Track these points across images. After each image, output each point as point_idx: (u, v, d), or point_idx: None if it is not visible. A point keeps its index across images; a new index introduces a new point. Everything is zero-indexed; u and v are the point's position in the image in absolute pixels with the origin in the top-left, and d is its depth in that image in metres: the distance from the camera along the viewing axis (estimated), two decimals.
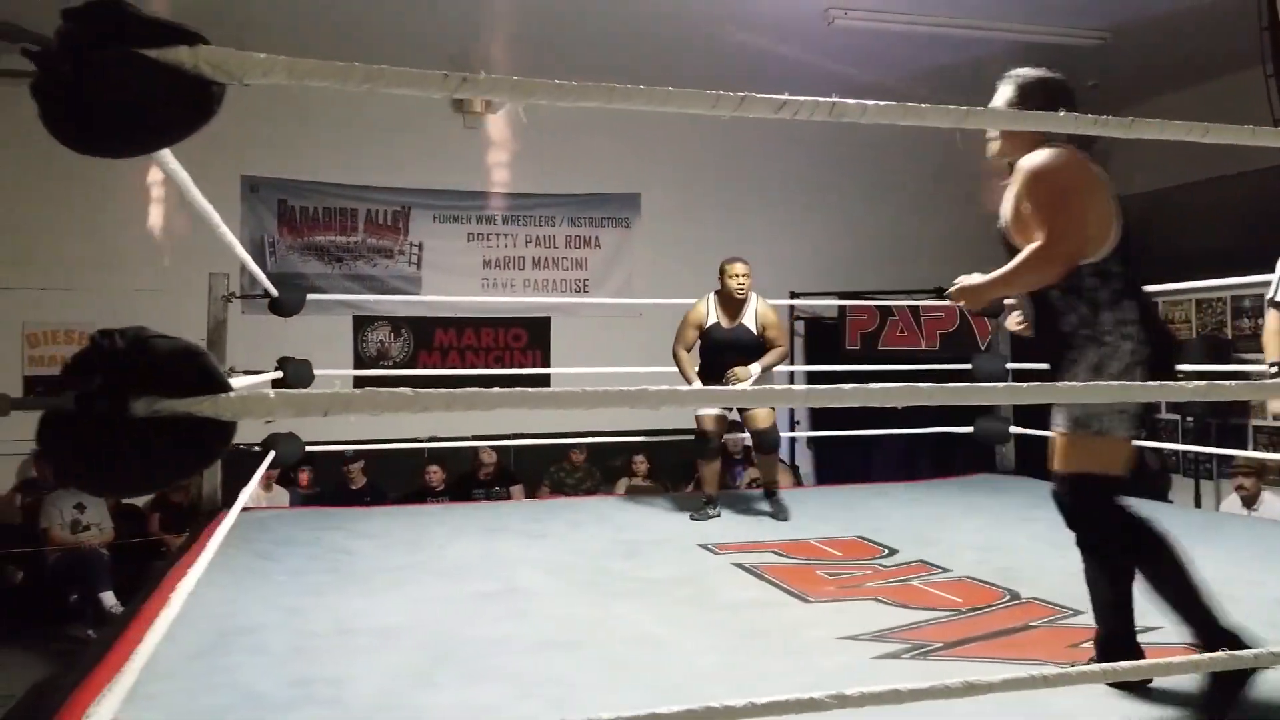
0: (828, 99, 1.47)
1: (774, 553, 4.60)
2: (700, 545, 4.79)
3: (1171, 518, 5.10)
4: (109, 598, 7.38)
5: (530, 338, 10.26)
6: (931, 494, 6.19)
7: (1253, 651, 2.12)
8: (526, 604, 3.72)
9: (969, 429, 6.61)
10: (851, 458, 9.70)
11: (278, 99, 8.67)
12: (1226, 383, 1.70)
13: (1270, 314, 4.09)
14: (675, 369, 5.59)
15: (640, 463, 8.92)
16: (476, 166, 10.11)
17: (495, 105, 9.49)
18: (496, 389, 1.36)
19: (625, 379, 6.87)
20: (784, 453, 10.09)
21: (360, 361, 9.75)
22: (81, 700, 2.50)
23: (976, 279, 2.84)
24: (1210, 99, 9.09)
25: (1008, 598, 3.73)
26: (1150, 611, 3.23)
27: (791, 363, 10.13)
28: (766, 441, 5.57)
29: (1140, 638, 2.85)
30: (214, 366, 1.24)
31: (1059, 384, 1.55)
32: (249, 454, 5.38)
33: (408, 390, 1.28)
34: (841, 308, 10.14)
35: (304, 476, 8.37)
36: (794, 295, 10.06)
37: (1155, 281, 3.04)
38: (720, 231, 9.64)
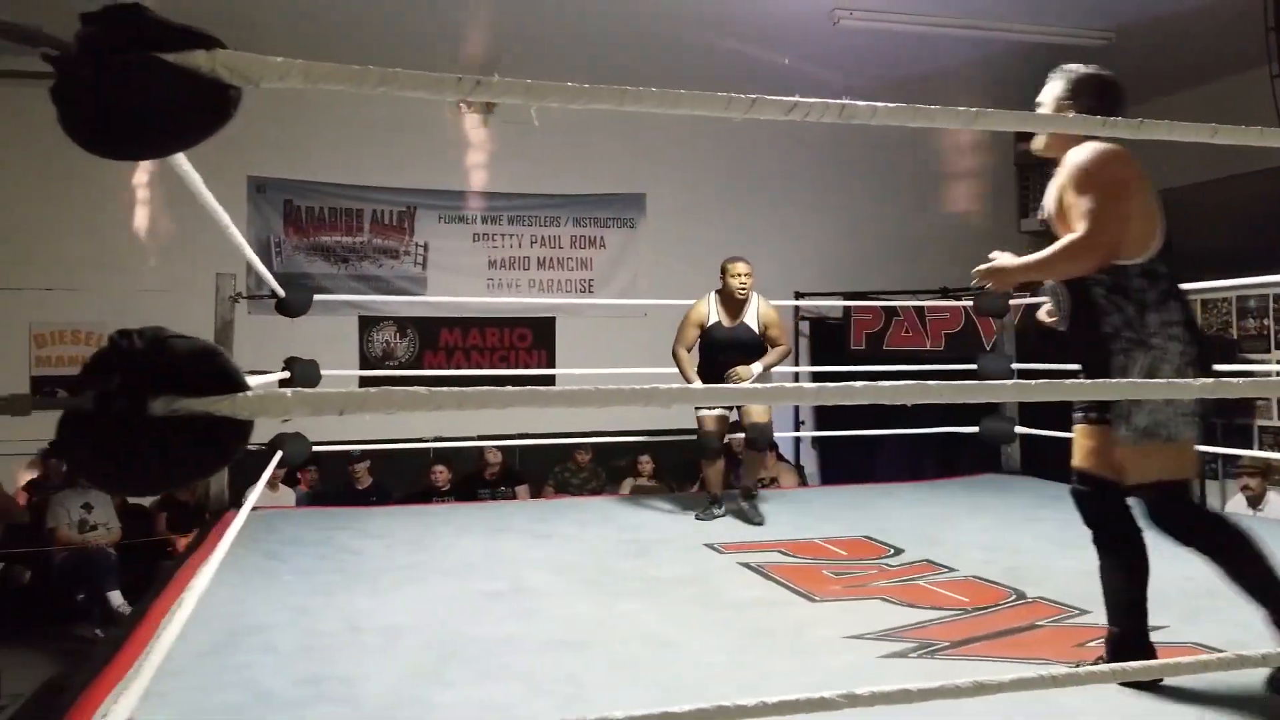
0: (838, 101, 1.48)
1: (780, 552, 4.61)
2: (706, 545, 4.80)
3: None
4: (116, 597, 7.40)
5: (535, 338, 10.28)
6: (937, 494, 6.19)
7: None
8: (534, 603, 3.74)
9: (974, 429, 6.62)
10: (856, 457, 9.71)
11: (284, 100, 8.68)
12: (1234, 380, 1.71)
13: None
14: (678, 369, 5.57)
15: (645, 463, 8.93)
16: (481, 167, 10.12)
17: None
18: (510, 388, 1.38)
19: (630, 379, 6.88)
20: (789, 452, 10.11)
21: (366, 362, 9.78)
22: (94, 698, 2.51)
23: (1009, 259, 2.83)
24: (1215, 99, 9.09)
25: (1014, 597, 3.74)
26: (1156, 611, 3.25)
27: (796, 363, 10.14)
28: (760, 438, 5.47)
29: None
30: (232, 366, 1.25)
31: (1067, 382, 1.55)
32: (256, 453, 5.40)
33: (422, 389, 1.29)
34: (846, 308, 10.15)
35: (310, 476, 8.38)
36: (799, 295, 10.08)
37: None
38: (725, 232, 9.66)
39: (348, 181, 9.84)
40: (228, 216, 2.95)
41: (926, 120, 1.57)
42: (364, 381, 8.91)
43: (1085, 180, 2.64)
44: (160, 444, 1.20)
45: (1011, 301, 6.76)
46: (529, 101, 1.37)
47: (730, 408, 5.56)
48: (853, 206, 11.11)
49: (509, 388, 1.38)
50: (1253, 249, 5.19)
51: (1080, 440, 2.82)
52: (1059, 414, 6.15)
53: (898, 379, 1.52)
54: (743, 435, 5.52)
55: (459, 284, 9.95)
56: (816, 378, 9.32)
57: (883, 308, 10.13)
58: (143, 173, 9.07)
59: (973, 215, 11.32)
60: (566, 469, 9.07)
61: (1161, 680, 2.65)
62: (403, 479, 8.61)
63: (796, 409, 10.49)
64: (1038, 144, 2.91)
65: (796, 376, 9.69)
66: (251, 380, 1.29)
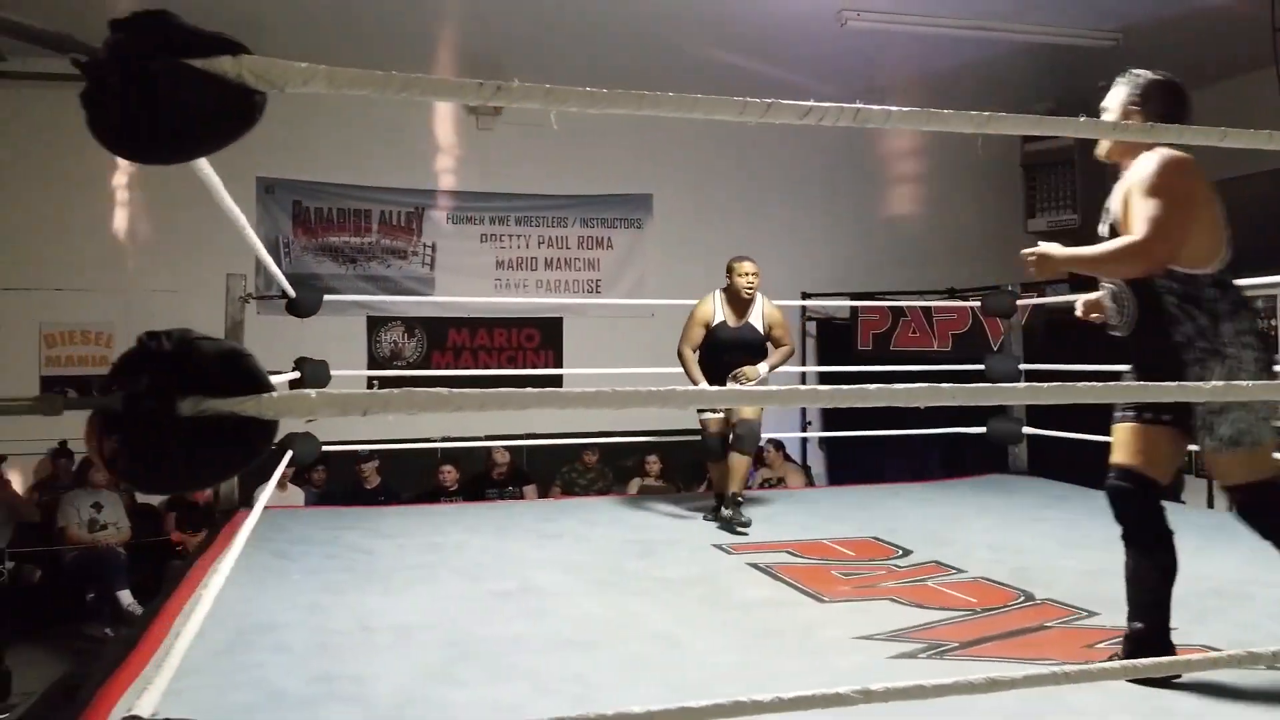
0: (852, 105, 1.49)
1: (788, 553, 4.62)
2: (714, 545, 4.81)
3: (1184, 518, 5.11)
4: (126, 596, 7.44)
5: (542, 338, 10.31)
6: (944, 494, 6.20)
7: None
8: (543, 603, 3.75)
9: (981, 429, 6.62)
10: (863, 458, 9.71)
11: (293, 101, 8.59)
12: (1244, 383, 1.72)
13: None
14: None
15: (653, 463, 8.94)
16: (489, 168, 10.15)
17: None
18: (529, 389, 1.39)
19: (637, 379, 6.90)
20: (796, 452, 10.12)
21: (374, 362, 9.81)
22: (109, 696, 2.54)
23: (1056, 248, 2.84)
24: (1221, 100, 9.07)
25: (1022, 598, 3.75)
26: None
27: (803, 363, 10.16)
28: (747, 438, 5.31)
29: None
30: (257, 367, 1.27)
31: (1080, 385, 1.57)
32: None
33: (444, 390, 1.31)
34: (854, 308, 10.16)
35: (318, 476, 8.41)
36: (806, 296, 10.10)
37: None
38: (732, 232, 9.68)
39: (356, 182, 9.88)
40: (245, 218, 2.97)
41: (940, 124, 1.58)
42: (372, 382, 8.93)
43: (1151, 187, 2.66)
44: (188, 443, 1.22)
45: (1019, 302, 6.77)
46: (548, 106, 1.39)
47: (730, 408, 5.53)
48: (860, 207, 11.12)
49: (528, 389, 1.40)
50: (1255, 250, 5.19)
51: (1126, 439, 2.83)
52: (1066, 415, 6.18)
53: (905, 380, 1.54)
54: None
55: (467, 284, 9.99)
56: (823, 378, 9.33)
57: (890, 308, 10.14)
58: (151, 174, 9.09)
59: (979, 216, 11.32)
60: (574, 469, 9.08)
61: (1179, 676, 2.67)
62: (410, 479, 8.64)
63: (803, 410, 10.50)
64: (1100, 149, 2.93)
65: (803, 377, 9.70)
66: None
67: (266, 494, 4.33)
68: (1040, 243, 2.91)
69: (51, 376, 9.04)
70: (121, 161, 8.40)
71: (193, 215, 8.65)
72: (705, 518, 5.41)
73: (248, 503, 5.35)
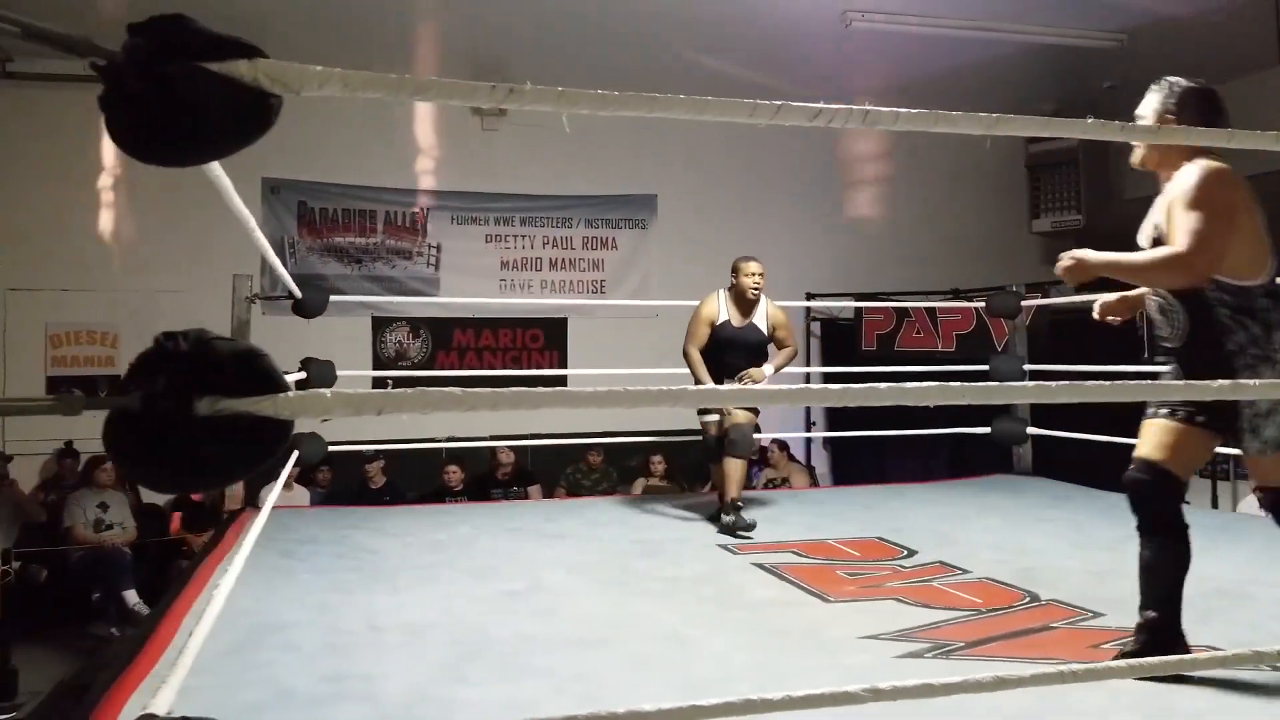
0: (861, 107, 1.50)
1: (794, 553, 4.63)
2: (720, 545, 4.82)
3: (1189, 519, 5.11)
4: (131, 596, 7.46)
5: (547, 338, 10.32)
6: (949, 495, 6.20)
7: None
8: (551, 602, 3.76)
9: (986, 430, 6.63)
10: (867, 458, 9.72)
11: (298, 102, 8.64)
12: (1250, 382, 1.73)
13: None
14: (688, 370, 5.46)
15: (658, 463, 8.95)
16: (494, 168, 10.16)
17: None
18: (541, 389, 1.41)
19: (642, 379, 6.90)
20: (800, 452, 10.13)
21: (379, 362, 9.83)
22: (119, 695, 2.55)
23: (1092, 254, 2.85)
24: (1227, 101, 9.08)
25: (1027, 599, 3.76)
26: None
27: (807, 363, 10.17)
28: (739, 442, 5.26)
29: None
30: (273, 368, 1.28)
31: (1087, 384, 1.58)
32: None
33: (457, 390, 1.32)
34: (858, 309, 10.17)
35: (323, 476, 8.43)
36: (810, 296, 10.10)
37: None
38: (736, 232, 9.68)
39: (361, 183, 9.90)
40: (254, 220, 2.98)
41: (948, 126, 1.59)
42: (377, 382, 8.95)
43: (1193, 199, 2.68)
44: (205, 443, 1.23)
45: (1023, 303, 6.78)
46: (560, 109, 1.40)
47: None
48: (864, 207, 11.14)
49: (540, 388, 1.41)
50: None
51: (1154, 434, 2.86)
52: (1070, 415, 6.19)
53: (910, 380, 1.54)
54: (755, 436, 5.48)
55: (471, 285, 10.01)
56: (828, 378, 9.34)
57: (894, 308, 10.15)
58: (157, 175, 9.10)
59: (984, 217, 11.33)
60: (578, 470, 9.10)
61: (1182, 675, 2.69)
62: (416, 479, 8.66)
63: (808, 410, 10.51)
64: (1135, 157, 2.94)
65: (808, 377, 9.71)
66: None
67: (274, 494, 4.34)
68: (1074, 249, 2.90)
69: (57, 377, 9.05)
70: (127, 162, 8.43)
71: (198, 216, 8.69)
72: (712, 519, 5.40)
73: (253, 502, 5.37)
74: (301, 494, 8.02)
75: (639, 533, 5.11)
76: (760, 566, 4.34)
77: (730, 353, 5.39)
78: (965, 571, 4.19)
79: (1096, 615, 3.48)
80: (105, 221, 9.31)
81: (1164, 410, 2.85)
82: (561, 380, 9.30)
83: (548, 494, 8.72)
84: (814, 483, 9.47)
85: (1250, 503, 7.05)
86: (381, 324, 9.99)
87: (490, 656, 3.06)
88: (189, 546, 7.80)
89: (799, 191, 10.98)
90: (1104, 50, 8.53)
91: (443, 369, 9.79)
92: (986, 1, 7.76)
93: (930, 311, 10.00)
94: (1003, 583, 3.97)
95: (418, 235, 10.07)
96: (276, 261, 4.50)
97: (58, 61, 8.18)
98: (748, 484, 8.05)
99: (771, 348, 5.55)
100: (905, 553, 4.60)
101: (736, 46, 8.59)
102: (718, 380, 5.30)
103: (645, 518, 5.54)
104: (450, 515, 5.86)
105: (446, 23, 8.25)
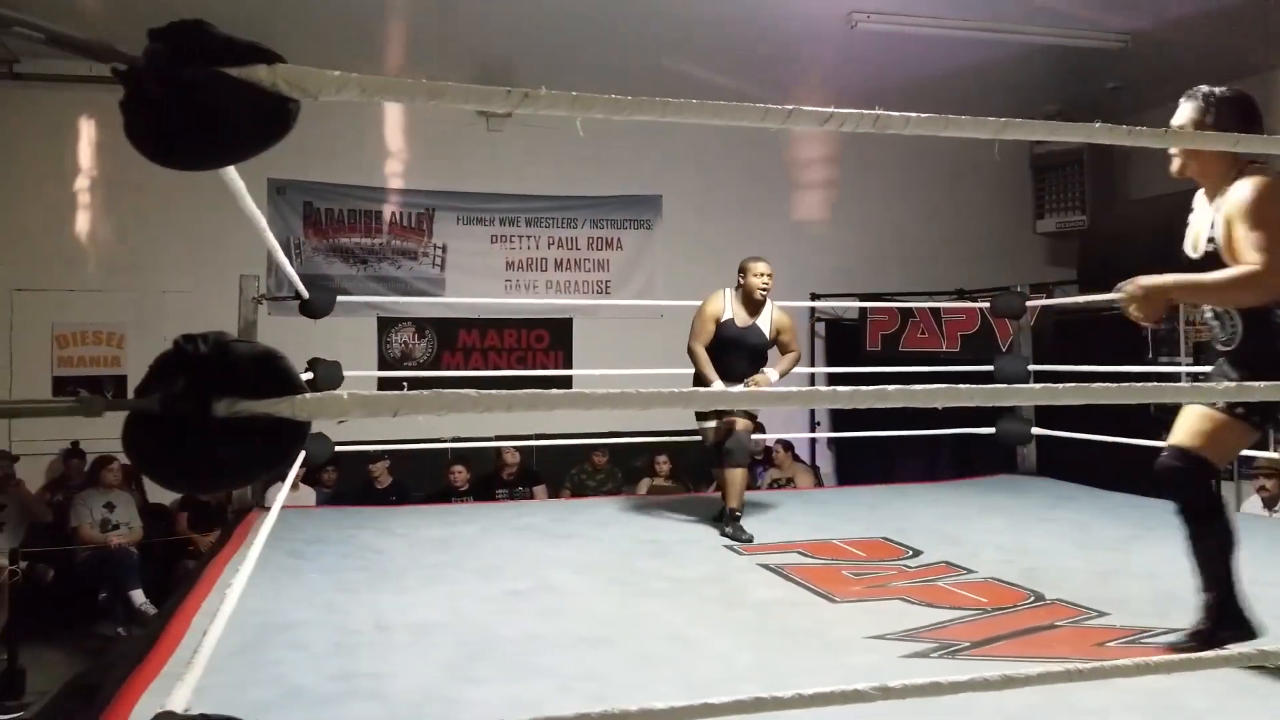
0: (871, 112, 1.52)
1: (799, 553, 4.64)
2: (725, 546, 4.83)
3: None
4: (138, 596, 7.49)
5: (552, 339, 10.34)
6: (953, 495, 6.21)
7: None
8: (558, 602, 3.78)
9: (990, 430, 6.63)
10: (872, 458, 9.73)
11: (303, 102, 8.76)
12: (1255, 384, 1.74)
13: None
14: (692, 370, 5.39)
15: (663, 463, 8.97)
16: (500, 169, 10.18)
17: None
18: (554, 390, 1.42)
19: (647, 380, 6.92)
20: (804, 453, 10.14)
21: (384, 362, 9.85)
22: (130, 695, 2.57)
23: (1158, 279, 2.81)
24: None
25: (1032, 598, 3.77)
26: (1172, 612, 3.28)
27: (812, 364, 10.19)
28: (735, 451, 5.18)
29: (1167, 638, 2.95)
30: (291, 370, 1.30)
31: (1093, 385, 1.59)
32: None
33: (472, 391, 1.34)
34: (862, 309, 10.18)
35: (328, 476, 8.45)
36: (815, 297, 10.11)
37: None
38: (741, 233, 9.70)
39: (367, 183, 9.93)
40: (264, 220, 3.00)
41: (957, 130, 1.60)
42: (382, 383, 8.97)
43: (1261, 216, 2.70)
44: (223, 444, 1.25)
45: (1028, 303, 6.78)
46: (573, 113, 1.41)
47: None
48: (869, 208, 11.14)
49: (554, 390, 1.43)
50: None
51: (1194, 422, 2.88)
52: (1075, 415, 6.19)
53: (915, 380, 1.56)
54: (759, 436, 5.47)
55: (477, 285, 10.04)
56: (832, 379, 9.36)
57: (899, 309, 10.17)
58: (164, 177, 9.09)
59: (988, 217, 11.34)
60: (583, 470, 9.12)
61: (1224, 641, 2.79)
62: (421, 479, 8.68)
63: (812, 410, 10.52)
64: (1174, 167, 2.94)
65: (812, 378, 9.74)
66: None
67: (283, 494, 4.36)
68: (1136, 278, 2.83)
69: (63, 377, 9.08)
70: (133, 163, 8.45)
71: (204, 217, 8.72)
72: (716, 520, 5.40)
73: (260, 502, 5.39)
74: (307, 494, 8.04)
75: (644, 533, 5.13)
76: (766, 567, 4.35)
77: (731, 353, 5.28)
78: (970, 571, 4.21)
79: (1101, 614, 3.49)
80: (111, 222, 9.33)
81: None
82: (567, 381, 9.31)
83: (553, 494, 8.74)
84: (819, 483, 9.49)
85: (1254, 502, 7.06)
86: (387, 324, 10.01)
87: (497, 656, 3.08)
88: (195, 546, 7.82)
89: (803, 191, 11.00)
90: (1108, 51, 8.53)
91: (448, 369, 9.81)
92: (991, 3, 7.77)
93: (935, 312, 10.02)
94: (1007, 582, 3.99)
95: (423, 236, 10.09)
96: (285, 262, 4.52)
97: (64, 63, 8.21)
98: (752, 484, 8.06)
99: (774, 352, 5.47)
100: (910, 553, 4.61)
101: (740, 47, 8.59)
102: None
103: (650, 518, 5.55)
104: (456, 515, 5.88)
105: (447, 23, 8.25)
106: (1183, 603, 3.52)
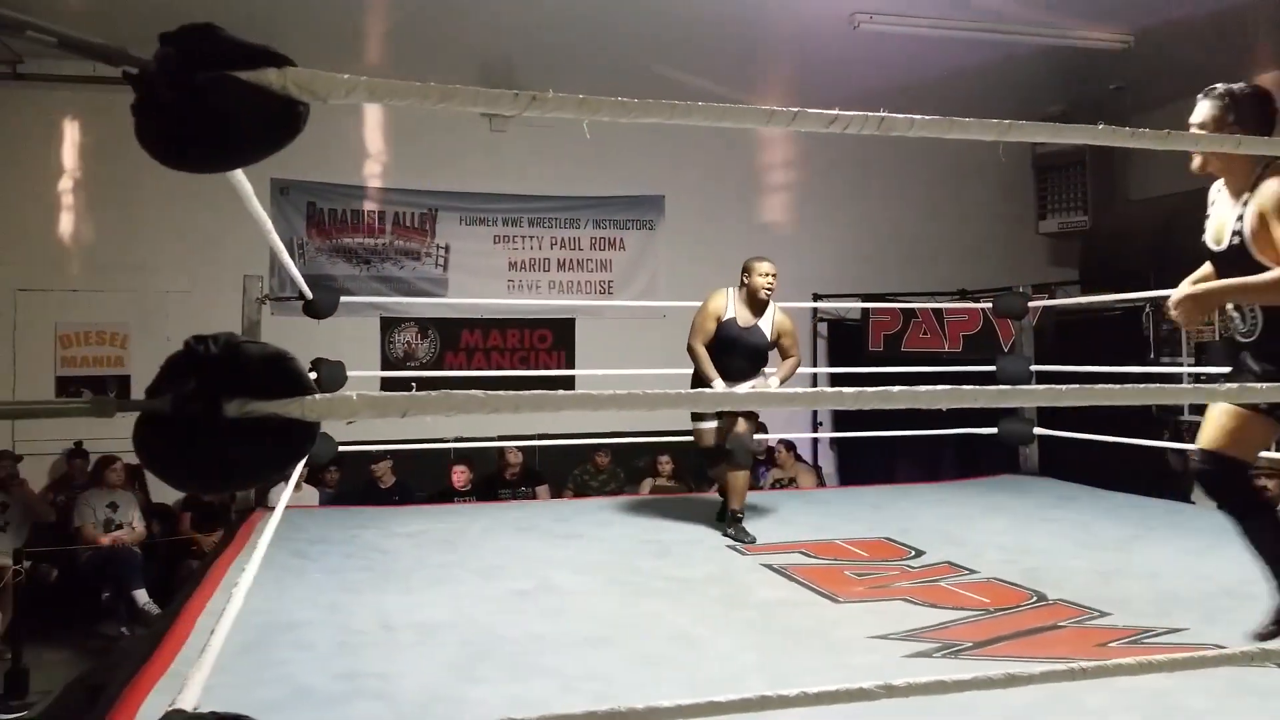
0: (876, 113, 1.52)
1: (802, 553, 4.64)
2: (729, 546, 4.84)
3: (1194, 519, 5.14)
4: (142, 595, 7.50)
5: (555, 339, 10.35)
6: (956, 495, 6.22)
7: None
8: (562, 602, 3.79)
9: (993, 430, 6.64)
10: (874, 458, 9.74)
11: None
12: (1258, 385, 1.75)
13: None
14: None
15: (665, 463, 8.97)
16: (502, 169, 10.19)
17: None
18: (562, 391, 1.43)
19: (650, 380, 6.93)
20: (807, 453, 10.14)
21: (387, 363, 9.86)
22: (135, 695, 2.58)
23: (1204, 287, 2.88)
24: None
25: (1035, 599, 3.78)
26: (1175, 613, 3.29)
27: (814, 364, 10.19)
28: (737, 452, 5.13)
29: (1168, 638, 2.96)
30: (300, 371, 1.31)
31: (1096, 387, 1.60)
32: None
33: (480, 392, 1.35)
34: (865, 309, 10.19)
35: (330, 476, 8.46)
36: (817, 297, 10.12)
37: (1179, 283, 3.09)
38: (744, 233, 9.72)
39: (370, 184, 9.94)
40: (270, 222, 3.01)
41: (961, 132, 1.61)
42: (385, 383, 8.98)
43: None
44: (233, 445, 1.26)
45: (1030, 304, 6.79)
46: (581, 116, 1.42)
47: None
48: (871, 208, 11.15)
49: (561, 391, 1.44)
50: None
51: (1220, 420, 2.91)
52: (1077, 416, 6.19)
53: (917, 380, 1.57)
54: (761, 436, 5.46)
55: (480, 285, 10.05)
56: (835, 379, 9.36)
57: (901, 309, 10.18)
58: (167, 177, 9.09)
59: (990, 217, 11.34)
60: (586, 470, 9.12)
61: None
62: (423, 479, 8.68)
63: (815, 410, 10.52)
64: (1196, 163, 2.94)
65: (815, 378, 9.74)
66: None
67: (287, 494, 4.37)
68: (1185, 290, 2.91)
69: (67, 377, 9.08)
70: (137, 163, 8.46)
71: (207, 217, 8.74)
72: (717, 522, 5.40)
73: (264, 502, 5.40)
74: (310, 494, 8.04)
75: (647, 533, 5.14)
76: (768, 567, 4.36)
77: (731, 353, 5.20)
78: (973, 571, 4.21)
79: (1103, 614, 3.50)
80: (115, 222, 9.33)
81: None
82: (570, 381, 9.33)
83: (555, 494, 8.74)
84: (821, 483, 9.49)
85: None
86: (390, 324, 10.02)
87: (502, 656, 3.09)
88: (199, 546, 7.83)
89: (805, 192, 11.00)
90: (1111, 52, 8.53)
91: (451, 369, 9.81)
92: (994, 3, 7.77)
93: (937, 312, 10.03)
94: (1010, 582, 4.00)
95: (426, 236, 10.10)
96: (289, 263, 4.53)
97: (67, 63, 8.23)
98: (755, 484, 8.06)
99: (774, 355, 5.40)
100: (913, 553, 4.62)
101: (743, 49, 8.60)
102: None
103: (653, 518, 5.56)
104: (459, 515, 5.89)
105: (447, 24, 8.26)
106: (1184, 602, 3.54)
